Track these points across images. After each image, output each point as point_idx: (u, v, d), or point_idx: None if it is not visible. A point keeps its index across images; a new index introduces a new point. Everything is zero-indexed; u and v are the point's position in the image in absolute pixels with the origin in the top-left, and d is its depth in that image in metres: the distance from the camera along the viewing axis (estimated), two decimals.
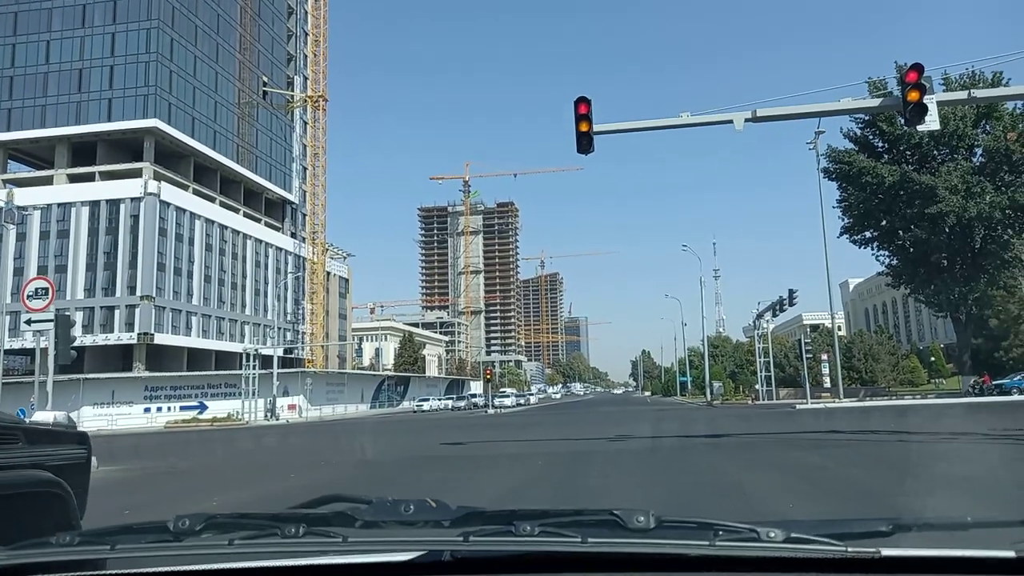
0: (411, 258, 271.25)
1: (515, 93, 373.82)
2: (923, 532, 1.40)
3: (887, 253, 45.98)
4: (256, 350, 56.46)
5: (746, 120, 12.52)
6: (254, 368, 54.25)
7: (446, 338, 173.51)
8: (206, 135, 74.56)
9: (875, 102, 13.23)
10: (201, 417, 53.90)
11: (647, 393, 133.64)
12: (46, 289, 13.98)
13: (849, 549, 1.24)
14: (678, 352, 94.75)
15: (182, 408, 56.19)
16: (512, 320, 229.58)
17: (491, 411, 56.14)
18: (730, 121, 12.59)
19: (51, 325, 14.10)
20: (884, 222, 44.05)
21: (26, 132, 68.37)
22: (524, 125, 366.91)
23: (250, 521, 1.48)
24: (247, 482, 10.81)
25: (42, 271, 66.66)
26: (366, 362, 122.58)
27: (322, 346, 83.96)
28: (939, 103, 11.97)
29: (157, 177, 67.97)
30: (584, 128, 12.33)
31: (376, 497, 1.54)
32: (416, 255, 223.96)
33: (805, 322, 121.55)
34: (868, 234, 45.41)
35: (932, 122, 11.68)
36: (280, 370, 56.79)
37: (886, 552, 1.24)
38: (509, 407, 64.70)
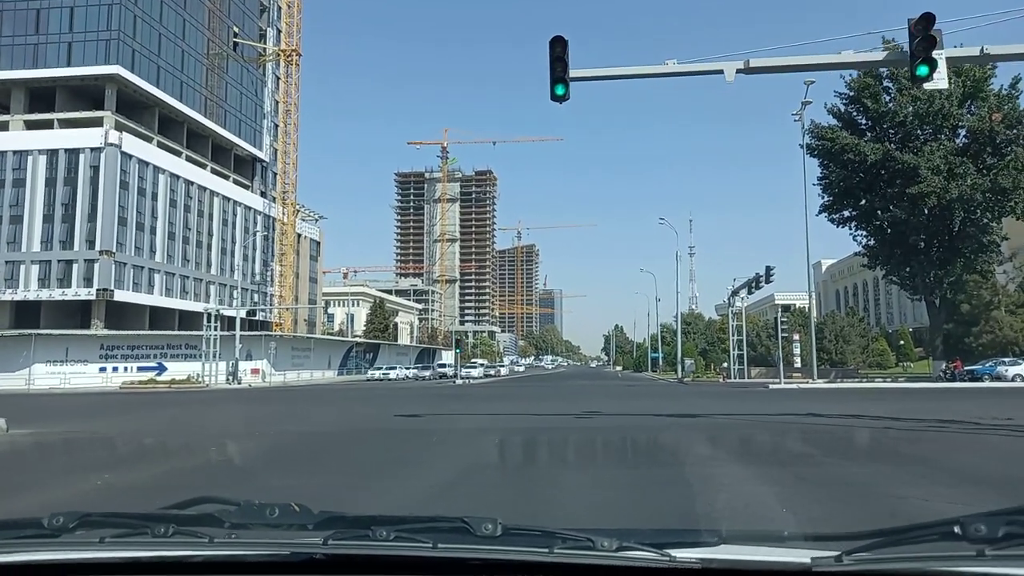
0: (386, 224, 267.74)
1: (498, 59, 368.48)
2: (745, 544, 1.53)
3: (864, 233, 45.54)
4: (218, 310, 54.62)
5: (738, 71, 11.28)
6: (216, 329, 52.46)
7: (419, 306, 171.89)
8: (172, 85, 71.50)
9: (879, 55, 12.08)
10: (159, 379, 52.03)
11: (618, 368, 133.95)
12: None
13: (675, 558, 1.37)
14: (651, 328, 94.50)
15: (140, 369, 54.20)
16: (487, 290, 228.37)
17: (459, 381, 55.20)
18: (720, 71, 11.34)
19: None
20: (864, 201, 43.55)
21: None
22: (506, 93, 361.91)
23: (122, 520, 1.56)
24: (159, 455, 9.55)
25: None
26: (337, 328, 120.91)
27: (288, 309, 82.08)
28: (948, 59, 10.85)
29: (119, 127, 65.09)
30: (560, 71, 11.03)
31: (244, 500, 1.65)
32: (392, 221, 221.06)
33: (777, 302, 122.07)
34: (847, 213, 44.93)
35: (940, 80, 10.59)
36: (243, 332, 55.02)
37: (705, 559, 1.37)
38: (476, 378, 63.75)
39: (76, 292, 63.13)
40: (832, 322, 67.42)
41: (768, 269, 39.13)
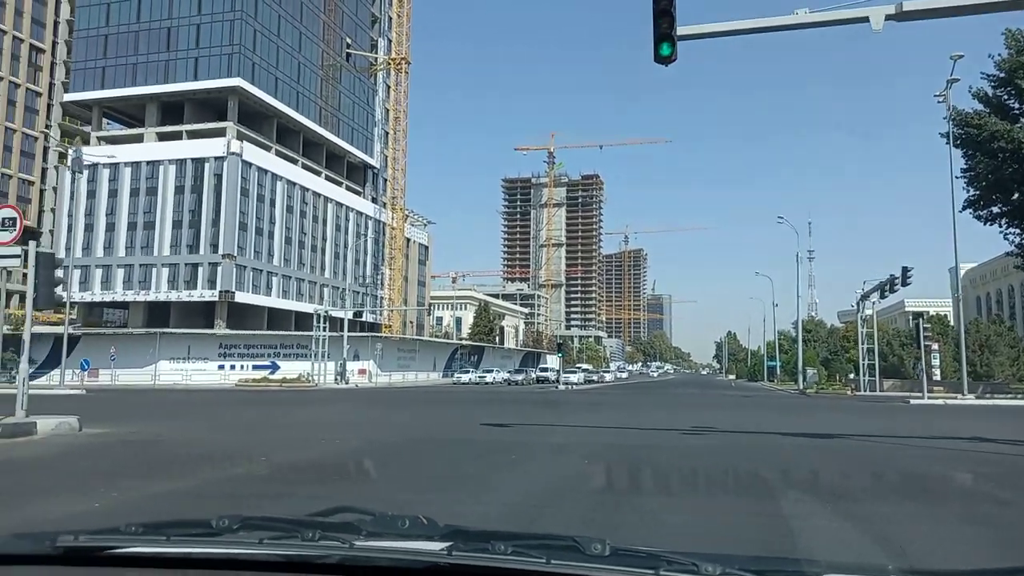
0: (493, 229, 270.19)
1: (603, 61, 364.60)
2: (845, 575, 1.58)
3: (1017, 231, 40.43)
4: (326, 311, 55.86)
5: (887, 17, 9.26)
6: (325, 330, 53.64)
7: (525, 310, 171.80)
8: (289, 96, 74.34)
9: None
10: (272, 377, 53.80)
11: (731, 377, 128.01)
12: (14, 219, 11.87)
13: None
14: (767, 335, 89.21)
15: (255, 367, 56.35)
16: (593, 295, 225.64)
17: (561, 387, 53.72)
18: (865, 19, 9.38)
19: (17, 262, 12.06)
20: (1017, 195, 38.62)
21: (118, 90, 69.85)
22: (612, 96, 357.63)
23: (276, 523, 1.78)
24: (200, 464, 8.67)
25: (131, 227, 68.57)
26: (444, 331, 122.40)
27: (393, 310, 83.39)
28: None
29: (240, 137, 68.22)
30: (665, 27, 9.43)
31: (378, 511, 1.96)
32: (499, 226, 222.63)
33: (907, 309, 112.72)
34: (996, 208, 39.96)
35: None
36: (350, 333, 55.99)
37: None
38: (575, 383, 61.76)
39: (201, 294, 66.51)
40: (976, 330, 60.84)
41: (905, 270, 35.32)
